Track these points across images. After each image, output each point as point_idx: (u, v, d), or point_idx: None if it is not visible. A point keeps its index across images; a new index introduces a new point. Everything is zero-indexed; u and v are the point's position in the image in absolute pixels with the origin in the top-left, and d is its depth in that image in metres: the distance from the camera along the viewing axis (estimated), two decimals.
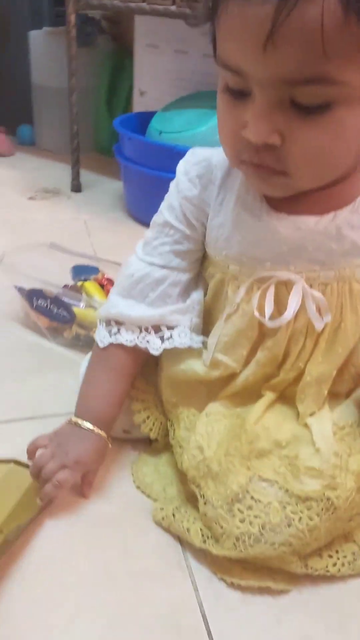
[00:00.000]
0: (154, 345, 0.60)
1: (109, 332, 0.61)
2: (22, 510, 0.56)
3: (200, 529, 0.56)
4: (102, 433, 0.61)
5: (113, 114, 1.82)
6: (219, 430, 0.58)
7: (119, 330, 0.61)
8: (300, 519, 0.52)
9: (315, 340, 0.56)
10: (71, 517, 0.60)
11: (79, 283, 0.93)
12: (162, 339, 0.60)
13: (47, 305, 0.86)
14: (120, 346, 0.61)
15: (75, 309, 0.85)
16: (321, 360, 0.56)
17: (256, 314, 0.54)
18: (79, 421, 0.61)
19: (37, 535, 0.57)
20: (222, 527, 0.53)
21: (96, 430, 0.60)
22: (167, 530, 0.59)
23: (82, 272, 0.97)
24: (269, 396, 0.59)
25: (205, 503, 0.55)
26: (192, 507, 0.59)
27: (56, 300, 0.85)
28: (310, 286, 0.54)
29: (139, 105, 1.69)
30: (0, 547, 0.52)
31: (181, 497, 0.61)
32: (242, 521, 0.52)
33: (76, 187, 1.61)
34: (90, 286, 0.92)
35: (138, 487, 0.63)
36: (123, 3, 1.35)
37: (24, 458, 0.62)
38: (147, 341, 0.60)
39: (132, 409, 0.65)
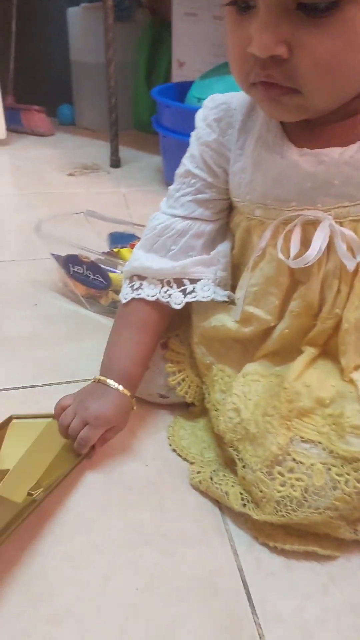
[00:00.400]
0: (176, 300, 0.58)
1: (131, 287, 0.60)
2: (60, 464, 0.55)
3: (240, 493, 0.53)
4: (126, 391, 0.58)
5: (152, 89, 1.79)
6: (257, 390, 0.54)
7: (140, 285, 0.59)
8: (346, 481, 0.48)
9: (351, 283, 0.51)
10: (107, 479, 0.58)
11: (115, 250, 0.91)
12: (184, 292, 0.58)
13: (83, 272, 0.85)
14: (143, 301, 0.59)
15: (111, 275, 0.83)
16: (358, 304, 0.52)
17: (280, 255, 0.51)
18: (102, 378, 0.59)
19: (72, 495, 0.56)
20: (261, 491, 0.50)
21: (120, 388, 0.58)
22: (205, 493, 0.56)
23: (119, 239, 0.95)
24: (309, 352, 0.55)
25: (243, 466, 0.52)
26: (231, 471, 0.56)
27: (92, 267, 0.83)
28: (341, 224, 0.49)
29: (178, 77, 1.65)
30: (37, 501, 0.50)
31: (219, 461, 0.59)
32: (282, 485, 0.49)
33: (115, 163, 1.59)
34: (127, 252, 0.90)
35: (174, 450, 0.61)
36: None
37: None
38: (169, 295, 0.58)
39: (166, 371, 0.62)
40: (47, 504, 0.54)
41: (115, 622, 0.45)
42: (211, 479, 0.55)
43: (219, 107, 0.55)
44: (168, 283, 0.58)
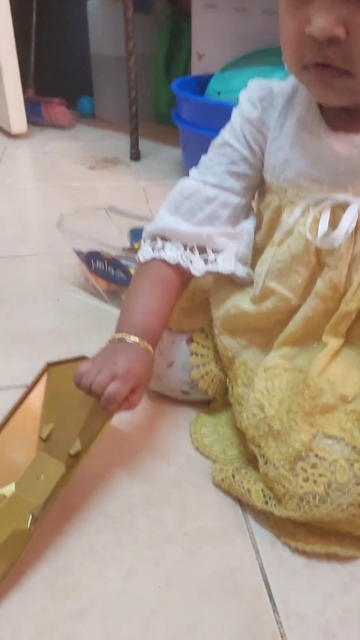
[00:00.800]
0: (197, 266, 0.58)
1: (153, 248, 0.59)
2: (94, 419, 0.52)
3: (262, 490, 0.53)
4: (149, 347, 0.55)
5: (172, 81, 1.78)
6: (280, 386, 0.54)
7: (163, 246, 0.59)
8: None
9: None
10: (130, 476, 0.58)
11: (136, 245, 0.91)
12: (206, 261, 0.58)
13: (104, 268, 0.85)
14: (163, 262, 0.58)
15: (132, 271, 0.83)
16: None
17: (307, 234, 0.51)
18: (123, 335, 0.55)
19: (96, 493, 0.56)
20: (284, 487, 0.50)
21: (142, 343, 0.55)
22: (227, 492, 0.56)
23: (140, 235, 0.94)
24: (332, 345, 0.54)
25: (266, 463, 0.52)
26: (253, 469, 0.56)
27: (113, 262, 0.84)
28: None
29: (198, 69, 1.64)
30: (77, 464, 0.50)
31: (242, 458, 0.59)
32: (305, 480, 0.49)
33: (135, 156, 1.59)
34: None
35: (196, 449, 0.61)
36: None
37: None
38: (191, 261, 0.58)
39: (190, 364, 0.62)
40: (72, 500, 0.55)
41: (138, 618, 0.46)
42: (233, 476, 0.55)
43: (262, 87, 0.56)
44: (191, 249, 0.58)
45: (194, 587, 0.48)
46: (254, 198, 0.61)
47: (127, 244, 0.95)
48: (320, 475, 0.48)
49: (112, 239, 0.90)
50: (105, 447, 0.61)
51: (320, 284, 0.53)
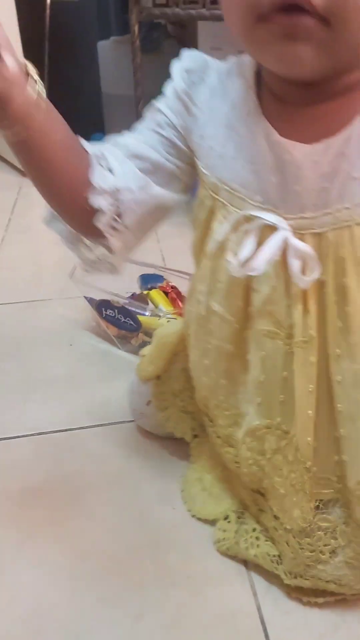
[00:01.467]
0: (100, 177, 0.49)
1: None
2: None
3: (267, 554, 0.56)
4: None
5: None
6: (270, 447, 0.52)
7: None
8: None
9: (319, 302, 0.45)
10: (137, 521, 0.63)
11: (145, 292, 0.97)
12: (97, 159, 0.50)
13: (115, 315, 0.91)
14: None
15: (141, 318, 0.89)
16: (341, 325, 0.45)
17: (229, 256, 0.46)
18: None
19: (103, 539, 0.61)
20: (292, 553, 0.53)
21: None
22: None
23: (149, 280, 1.01)
24: (305, 400, 0.48)
25: (275, 517, 0.55)
26: (250, 516, 0.59)
27: (123, 310, 0.89)
28: (302, 237, 0.43)
29: None
30: None
31: (234, 507, 0.61)
32: (312, 552, 0.52)
33: None
34: (156, 294, 0.95)
35: (194, 516, 0.63)
36: (184, 11, 1.37)
37: (94, 466, 0.65)
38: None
39: (155, 407, 0.67)
40: (82, 547, 0.60)
41: None
42: (237, 543, 0.58)
43: (195, 59, 0.50)
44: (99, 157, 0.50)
45: (198, 627, 0.53)
46: (184, 178, 0.53)
47: (138, 289, 1.00)
48: (325, 544, 0.52)
49: (122, 284, 0.96)
50: (113, 493, 0.66)
51: (263, 323, 0.48)
